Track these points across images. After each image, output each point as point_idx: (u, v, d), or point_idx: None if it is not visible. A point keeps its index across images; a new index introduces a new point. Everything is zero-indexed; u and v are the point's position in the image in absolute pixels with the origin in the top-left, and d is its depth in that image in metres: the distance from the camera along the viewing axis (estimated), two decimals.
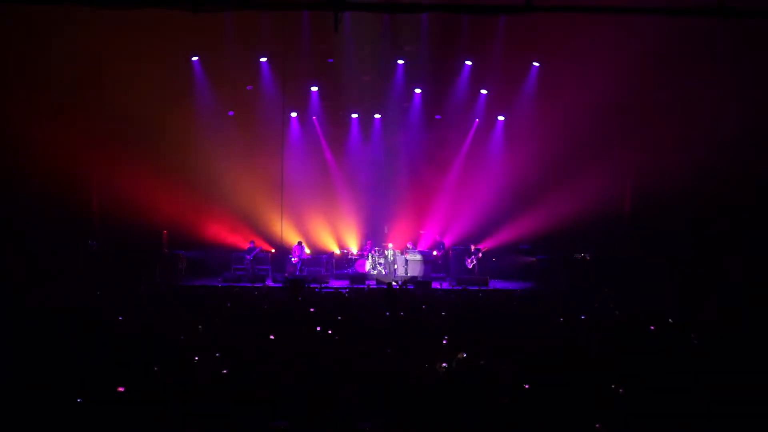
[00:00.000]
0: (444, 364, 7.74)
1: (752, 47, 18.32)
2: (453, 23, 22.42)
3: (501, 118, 24.21)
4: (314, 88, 24.15)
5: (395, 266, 22.77)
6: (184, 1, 12.17)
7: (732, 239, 18.93)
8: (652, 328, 10.68)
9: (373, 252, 23.33)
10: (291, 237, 23.81)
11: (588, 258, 21.10)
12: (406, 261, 22.52)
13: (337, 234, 24.64)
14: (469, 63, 23.53)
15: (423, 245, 24.15)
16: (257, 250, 22.75)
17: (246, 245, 22.94)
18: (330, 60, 23.52)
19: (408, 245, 23.42)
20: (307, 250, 23.47)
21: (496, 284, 21.08)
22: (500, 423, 6.57)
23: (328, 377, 7.54)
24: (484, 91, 24.01)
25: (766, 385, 7.49)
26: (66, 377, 7.40)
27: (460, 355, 7.76)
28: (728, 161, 19.24)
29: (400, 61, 23.68)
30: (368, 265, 23.17)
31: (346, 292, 16.76)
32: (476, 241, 23.11)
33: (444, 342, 9.25)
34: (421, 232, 24.50)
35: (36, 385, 7.10)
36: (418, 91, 24.09)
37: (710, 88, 19.34)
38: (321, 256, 23.51)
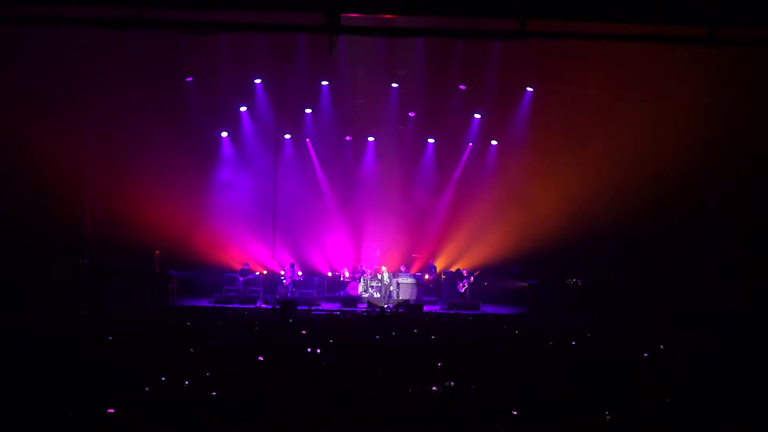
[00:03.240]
0: (435, 388, 7.73)
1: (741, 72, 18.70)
2: (447, 48, 22.64)
3: (494, 142, 24.26)
4: (308, 110, 24.21)
5: (390, 288, 22.68)
6: (180, 24, 12.29)
7: (727, 266, 19.00)
8: (645, 355, 10.69)
9: (365, 275, 23.29)
10: (283, 258, 23.80)
11: (579, 283, 21.05)
12: (398, 284, 22.48)
13: (329, 256, 24.58)
14: (462, 87, 23.68)
15: (415, 268, 24.12)
16: (253, 274, 22.68)
17: (238, 266, 22.87)
18: (324, 83, 23.69)
19: (401, 268, 23.40)
20: (299, 272, 23.39)
21: (487, 309, 21.04)
22: None
23: (321, 399, 7.52)
24: (477, 116, 24.10)
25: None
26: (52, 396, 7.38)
27: (448, 383, 7.74)
28: (723, 184, 19.53)
29: (394, 85, 23.83)
30: (360, 288, 23.09)
31: (339, 315, 16.72)
32: (468, 265, 23.09)
33: (438, 365, 9.24)
34: (414, 255, 24.49)
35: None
36: (411, 114, 24.19)
37: (696, 111, 19.62)
38: (313, 278, 23.41)
